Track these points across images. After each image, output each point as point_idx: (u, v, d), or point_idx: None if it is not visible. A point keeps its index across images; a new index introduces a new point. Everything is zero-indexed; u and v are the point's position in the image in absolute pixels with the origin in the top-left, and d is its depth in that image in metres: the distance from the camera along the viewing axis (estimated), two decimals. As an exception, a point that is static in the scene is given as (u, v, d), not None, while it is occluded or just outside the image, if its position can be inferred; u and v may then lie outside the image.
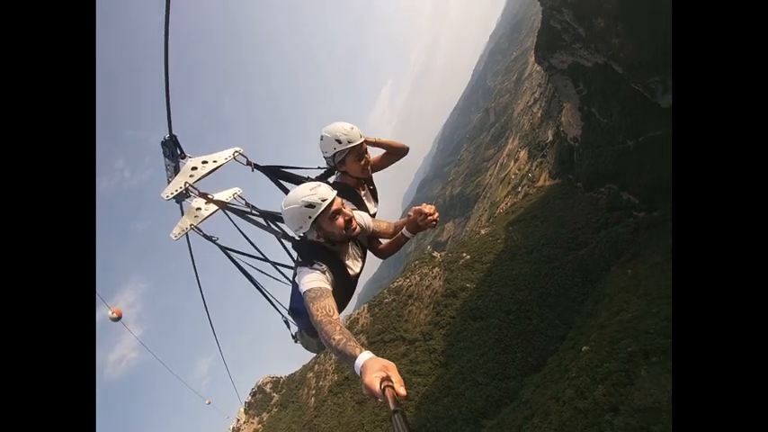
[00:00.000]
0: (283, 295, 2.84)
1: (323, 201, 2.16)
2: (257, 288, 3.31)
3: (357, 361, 1.60)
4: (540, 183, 56.83)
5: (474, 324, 32.51)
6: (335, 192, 2.24)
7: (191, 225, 3.21)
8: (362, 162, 2.98)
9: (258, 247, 3.16)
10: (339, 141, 2.89)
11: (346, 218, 2.25)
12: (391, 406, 1.27)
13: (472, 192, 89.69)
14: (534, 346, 27.40)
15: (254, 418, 47.03)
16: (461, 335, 32.89)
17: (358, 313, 44.56)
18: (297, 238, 2.40)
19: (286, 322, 2.99)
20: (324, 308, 2.01)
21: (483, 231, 46.44)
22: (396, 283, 44.16)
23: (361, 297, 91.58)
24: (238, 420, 46.85)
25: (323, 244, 2.31)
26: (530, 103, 79.26)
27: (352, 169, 3.00)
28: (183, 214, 3.24)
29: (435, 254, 46.26)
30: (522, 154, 72.41)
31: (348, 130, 2.93)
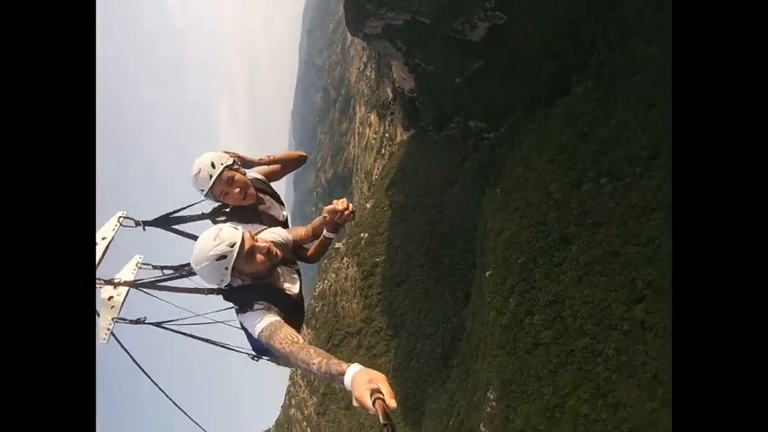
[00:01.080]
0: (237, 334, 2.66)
1: (232, 247, 2.05)
2: (213, 344, 3.04)
3: (345, 376, 1.59)
4: (398, 139, 60.23)
5: (399, 290, 34.67)
6: (240, 230, 2.13)
7: (112, 319, 2.91)
8: (236, 191, 2.78)
9: (188, 301, 2.80)
10: (202, 190, 2.79)
11: (263, 251, 2.16)
12: (381, 420, 1.32)
13: (344, 169, 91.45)
14: (456, 282, 30.37)
15: None
16: (394, 304, 34.91)
17: (301, 334, 44.38)
18: (223, 288, 2.25)
19: (257, 357, 2.77)
20: (285, 338, 1.97)
21: (368, 205, 48.37)
22: (317, 290, 44.49)
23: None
24: None
25: (252, 284, 2.23)
26: (361, 69, 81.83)
27: (231, 201, 2.83)
28: (98, 313, 2.92)
29: (338, 245, 47.23)
30: (373, 117, 75.20)
31: (195, 177, 2.76)
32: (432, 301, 30.91)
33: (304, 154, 3.63)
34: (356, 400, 1.47)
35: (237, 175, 2.81)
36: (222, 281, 2.13)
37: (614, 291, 13.21)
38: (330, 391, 38.14)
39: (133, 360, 3.02)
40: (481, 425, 15.27)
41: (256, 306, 2.14)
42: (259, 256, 2.13)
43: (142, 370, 3.14)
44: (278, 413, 51.65)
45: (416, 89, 49.21)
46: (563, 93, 25.70)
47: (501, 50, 30.18)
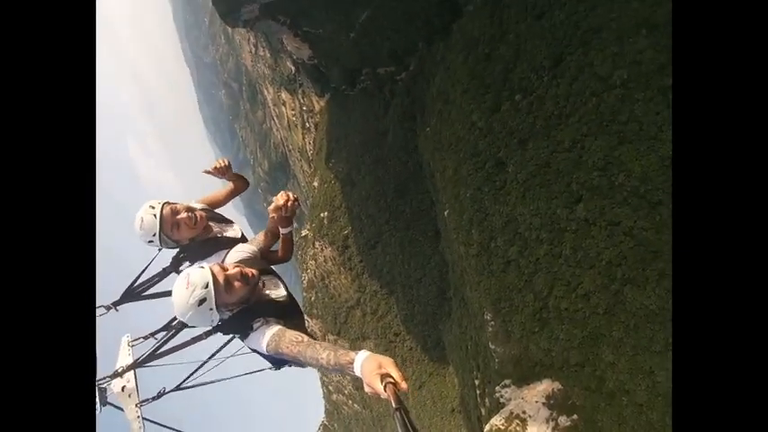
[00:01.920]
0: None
1: (206, 287, 2.08)
2: (234, 377, 3.11)
3: (355, 366, 1.63)
4: (317, 108, 59.23)
5: (376, 251, 36.05)
6: (207, 268, 2.16)
7: (136, 406, 2.93)
8: (184, 216, 2.81)
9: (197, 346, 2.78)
10: (150, 242, 2.81)
11: (238, 276, 2.20)
12: (393, 404, 1.33)
13: (277, 155, 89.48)
14: (424, 223, 31.93)
15: None
16: (378, 265, 36.42)
17: (309, 328, 45.60)
18: (218, 324, 2.30)
19: (278, 368, 2.77)
20: (291, 341, 2.02)
21: (315, 184, 48.48)
22: (305, 282, 45.35)
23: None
24: None
25: (241, 310, 2.27)
26: (253, 51, 78.10)
27: (186, 236, 2.86)
28: (123, 410, 2.96)
29: (304, 232, 47.63)
30: (284, 95, 72.78)
31: (140, 228, 2.76)
32: (410, 249, 32.52)
33: (245, 182, 3.49)
34: (367, 386, 1.50)
35: (178, 205, 2.85)
36: (213, 321, 2.18)
37: (555, 198, 14.72)
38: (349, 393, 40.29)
39: (175, 389, 3.10)
40: (489, 343, 17.24)
41: (255, 325, 2.19)
42: (236, 284, 2.17)
43: (179, 388, 3.22)
44: (323, 405, 54.01)
45: (315, 55, 48.06)
46: (456, 16, 26.26)
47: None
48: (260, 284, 2.41)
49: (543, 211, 15.27)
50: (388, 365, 1.51)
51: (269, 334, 2.14)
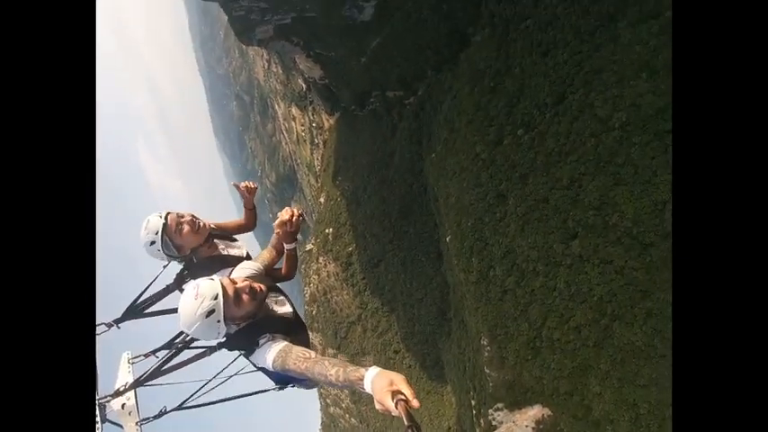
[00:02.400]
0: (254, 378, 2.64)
1: (216, 299, 2.06)
2: (236, 398, 3.05)
3: (365, 382, 1.60)
4: (326, 125, 60.55)
5: (379, 269, 36.86)
6: (217, 279, 2.15)
7: (136, 424, 2.93)
8: (186, 228, 2.84)
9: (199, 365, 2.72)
10: (153, 242, 2.82)
11: (247, 290, 2.18)
12: (405, 421, 1.33)
13: (285, 168, 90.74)
14: (426, 244, 32.61)
15: None
16: (380, 283, 37.17)
17: (311, 340, 46.17)
18: (223, 340, 2.28)
19: (282, 387, 2.72)
20: (298, 357, 1.98)
21: (321, 200, 49.49)
22: (307, 295, 46.13)
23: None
24: None
25: (248, 324, 2.23)
26: (266, 66, 79.96)
27: (188, 241, 2.88)
28: (122, 426, 2.94)
29: (309, 247, 48.48)
30: (294, 110, 74.28)
31: (145, 228, 2.83)
32: (412, 269, 33.30)
33: (253, 225, 3.53)
34: (378, 403, 1.47)
35: (181, 212, 2.89)
36: (219, 333, 2.14)
37: (552, 233, 15.59)
38: (358, 399, 40.70)
39: (175, 409, 3.06)
40: (485, 367, 17.99)
41: (261, 341, 2.16)
42: (245, 297, 2.15)
43: (181, 408, 3.20)
44: (320, 418, 54.22)
45: (326, 76, 49.49)
46: (464, 46, 27.41)
47: (394, 23, 31.28)
48: (266, 300, 2.39)
49: (540, 244, 16.10)
50: (400, 382, 1.48)
51: (275, 350, 2.10)
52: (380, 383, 1.51)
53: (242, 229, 3.51)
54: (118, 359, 3.10)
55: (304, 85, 62.07)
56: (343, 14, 32.36)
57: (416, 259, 33.39)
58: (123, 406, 2.81)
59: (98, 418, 2.57)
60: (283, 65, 68.92)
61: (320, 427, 55.11)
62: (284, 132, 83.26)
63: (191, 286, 2.14)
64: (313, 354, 2.00)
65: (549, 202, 16.28)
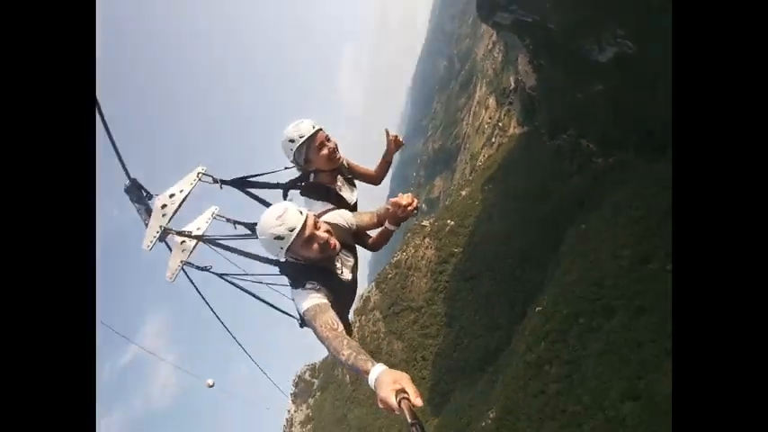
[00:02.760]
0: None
1: (291, 231, 2.10)
2: (266, 303, 3.21)
3: (370, 376, 1.62)
4: (510, 131, 59.26)
5: (466, 285, 36.92)
6: (305, 214, 2.16)
7: (181, 262, 3.12)
8: (325, 151, 2.84)
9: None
10: (292, 141, 2.83)
11: (321, 240, 2.18)
12: (409, 419, 1.31)
13: (452, 144, 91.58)
14: (518, 297, 31.68)
15: (301, 406, 53.61)
16: (458, 296, 37.41)
17: (368, 292, 49.20)
18: (279, 261, 2.35)
19: (300, 325, 2.69)
20: (326, 323, 2.02)
21: (463, 193, 49.80)
22: (395, 259, 48.38)
23: (372, 269, 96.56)
24: (289, 411, 53.43)
25: (306, 264, 2.26)
26: (489, 47, 79.61)
27: (318, 162, 2.88)
28: (171, 250, 3.16)
29: (425, 223, 49.96)
30: (491, 101, 73.78)
31: (296, 125, 2.84)
32: (491, 306, 32.83)
33: (379, 180, 3.46)
34: (381, 401, 1.47)
35: (333, 139, 2.91)
36: (278, 255, 2.22)
37: (620, 379, 14.02)
38: (377, 352, 42.53)
39: (201, 295, 3.43)
40: (476, 436, 17.73)
41: (307, 285, 2.19)
42: (316, 245, 2.17)
43: (208, 305, 3.50)
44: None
45: (537, 89, 47.84)
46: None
47: (625, 81, 28.80)
48: (335, 257, 2.38)
49: (603, 380, 14.46)
50: (404, 381, 1.49)
51: (313, 302, 2.14)
52: (385, 381, 1.52)
53: (368, 178, 3.43)
54: (207, 207, 3.32)
55: (513, 84, 60.91)
56: (582, 44, 30.63)
57: (501, 302, 32.70)
58: (183, 243, 3.07)
59: (157, 234, 2.83)
60: (505, 55, 67.94)
61: (320, 361, 57.84)
62: (471, 114, 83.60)
63: (282, 206, 2.20)
64: (340, 327, 2.02)
65: (641, 350, 14.59)
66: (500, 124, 63.75)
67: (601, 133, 34.24)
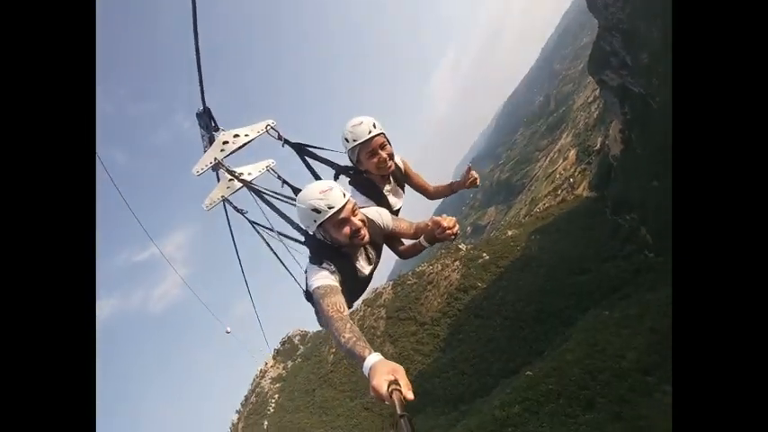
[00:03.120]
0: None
1: (330, 208, 2.14)
2: (283, 265, 3.26)
3: (366, 362, 1.62)
4: (579, 191, 57.62)
5: (475, 321, 37.11)
6: (347, 198, 2.20)
7: (222, 197, 3.28)
8: (376, 159, 2.85)
9: (286, 224, 2.76)
10: (347, 140, 2.85)
11: (354, 227, 2.22)
12: (398, 410, 1.31)
13: (519, 181, 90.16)
14: (519, 353, 31.62)
15: (280, 365, 56.20)
16: (462, 328, 37.72)
17: (383, 288, 50.40)
18: (306, 232, 2.40)
19: (307, 299, 2.64)
20: (334, 304, 2.05)
21: (509, 233, 49.42)
22: (420, 268, 49.10)
23: (395, 269, 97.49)
24: (266, 364, 56.22)
25: (332, 244, 2.30)
26: (590, 100, 77.27)
27: (368, 167, 2.90)
28: (218, 181, 3.31)
29: (462, 246, 50.17)
30: (572, 154, 71.83)
31: (354, 126, 2.83)
32: (488, 352, 33.01)
33: (433, 192, 3.47)
34: (373, 389, 1.47)
35: (389, 146, 2.90)
36: (308, 227, 2.27)
37: None
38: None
39: (230, 231, 3.64)
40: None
41: (324, 264, 2.23)
42: (347, 229, 2.20)
43: (233, 241, 3.68)
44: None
45: (619, 160, 46.19)
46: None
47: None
48: (359, 248, 2.43)
49: None
50: (399, 373, 1.49)
51: (325, 282, 2.18)
52: (380, 369, 1.53)
53: (422, 190, 3.45)
54: (266, 160, 3.48)
55: (598, 146, 59.05)
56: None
57: (499, 350, 32.80)
58: (231, 181, 3.26)
59: (210, 164, 2.99)
60: (601, 114, 65.70)
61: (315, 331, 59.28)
62: (548, 159, 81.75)
63: (328, 183, 2.27)
64: (346, 311, 2.05)
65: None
66: (571, 180, 62.13)
67: (662, 229, 32.92)
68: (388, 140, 2.89)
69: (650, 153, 36.65)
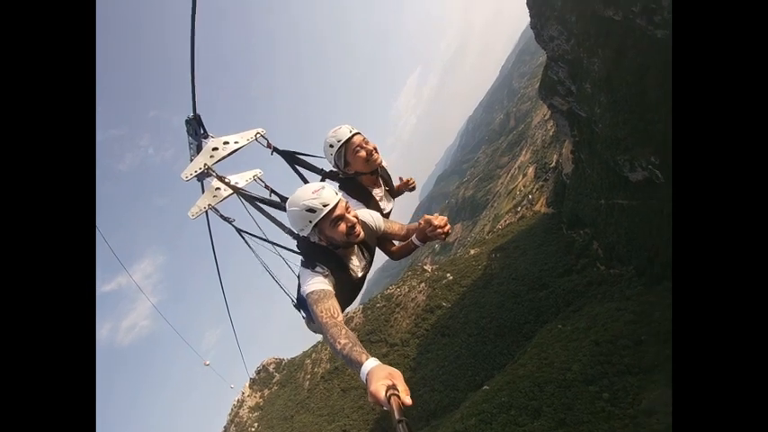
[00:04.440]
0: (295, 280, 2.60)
1: (324, 206, 2.12)
2: (269, 274, 3.29)
3: (363, 368, 1.60)
4: (537, 207, 60.23)
5: (442, 340, 38.31)
6: (339, 196, 2.19)
7: (208, 205, 3.30)
8: (362, 153, 2.89)
9: (273, 233, 2.80)
10: (331, 145, 2.89)
11: (349, 224, 2.20)
12: (396, 416, 1.30)
13: (483, 197, 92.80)
14: (483, 367, 32.92)
15: (256, 393, 55.75)
16: (431, 347, 38.81)
17: (354, 312, 51.08)
18: (299, 235, 2.34)
19: (297, 307, 2.72)
20: (328, 309, 2.02)
21: (472, 252, 51.27)
22: (388, 290, 50.21)
23: (369, 286, 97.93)
24: (243, 393, 55.73)
25: (326, 246, 2.27)
26: (546, 117, 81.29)
27: (357, 164, 2.92)
28: (203, 192, 3.34)
29: (427, 267, 51.56)
30: (530, 171, 74.71)
31: (334, 131, 2.91)
32: (456, 368, 34.10)
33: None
34: (371, 394, 1.43)
35: (370, 142, 2.93)
36: (302, 230, 2.21)
37: None
38: (342, 370, 44.06)
39: (212, 243, 3.69)
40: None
41: (318, 268, 2.20)
42: (342, 226, 2.17)
43: (214, 255, 3.69)
44: (299, 353, 60.06)
45: (571, 178, 49.17)
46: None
47: (646, 206, 30.15)
48: (354, 248, 2.43)
49: None
50: (396, 378, 1.46)
51: (319, 286, 2.12)
52: (377, 374, 1.49)
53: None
54: (252, 168, 3.52)
55: (553, 163, 62.33)
56: (618, 157, 32.23)
57: (465, 366, 33.95)
58: (217, 189, 3.27)
59: (200, 170, 2.98)
60: (556, 133, 69.38)
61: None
62: (509, 175, 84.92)
63: (319, 184, 2.25)
64: (340, 317, 2.01)
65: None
66: (530, 197, 64.71)
67: (612, 243, 35.33)
68: (365, 139, 2.96)
69: (597, 173, 39.44)
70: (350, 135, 2.85)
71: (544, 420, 17.27)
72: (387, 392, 1.40)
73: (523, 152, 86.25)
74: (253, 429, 51.49)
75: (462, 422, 20.25)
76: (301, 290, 2.20)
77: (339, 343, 1.81)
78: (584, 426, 15.72)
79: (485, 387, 22.51)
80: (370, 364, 1.59)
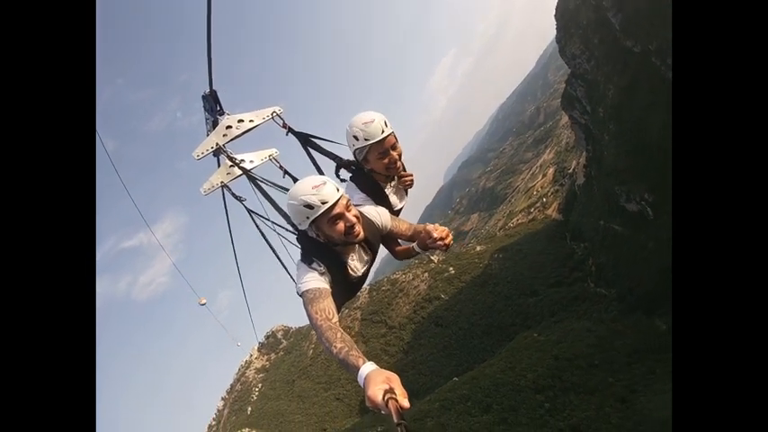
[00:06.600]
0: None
1: (323, 204, 2.04)
2: (276, 256, 3.24)
3: (360, 372, 1.59)
4: (550, 211, 61.37)
5: (435, 329, 42.10)
6: (341, 193, 2.10)
7: (221, 182, 3.28)
8: (386, 160, 2.69)
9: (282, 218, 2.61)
10: (356, 138, 2.66)
11: (348, 223, 2.12)
12: (395, 419, 1.30)
13: (502, 191, 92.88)
14: (467, 360, 36.58)
15: (263, 357, 61.77)
16: (424, 333, 42.74)
17: (361, 292, 55.41)
18: (298, 229, 2.26)
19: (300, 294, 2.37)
20: (323, 311, 1.97)
21: (477, 248, 54.06)
22: (395, 275, 54.07)
23: (382, 265, 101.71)
24: (251, 356, 61.83)
25: (324, 243, 2.19)
26: (569, 122, 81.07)
27: (375, 167, 2.75)
28: (219, 167, 3.31)
29: (434, 258, 54.70)
30: (550, 172, 74.37)
31: (365, 124, 2.63)
32: (443, 356, 37.94)
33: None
34: (368, 398, 1.43)
35: (399, 146, 2.74)
36: (300, 224, 2.15)
37: None
38: None
39: (227, 218, 3.77)
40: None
41: (314, 264, 2.13)
42: (340, 225, 2.09)
43: (229, 228, 3.83)
44: (306, 323, 65.49)
45: (581, 190, 50.62)
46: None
47: (635, 237, 32.17)
48: (355, 246, 2.31)
49: None
50: (393, 382, 1.46)
51: (314, 284, 2.07)
52: (375, 379, 1.49)
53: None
54: (267, 147, 3.55)
55: (571, 169, 63.11)
56: (616, 186, 34.20)
57: (451, 357, 37.60)
58: (231, 167, 3.33)
59: (211, 149, 3.07)
60: (576, 140, 69.41)
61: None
62: (530, 173, 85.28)
63: (321, 178, 2.14)
64: (336, 318, 1.96)
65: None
66: (545, 200, 65.14)
67: (603, 264, 37.48)
68: (397, 139, 2.75)
69: (601, 194, 41.25)
70: (382, 137, 2.62)
71: (491, 416, 20.88)
72: (384, 396, 1.42)
73: (547, 151, 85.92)
74: (257, 389, 57.74)
75: (428, 404, 24.20)
76: (297, 286, 2.18)
77: (335, 347, 1.79)
78: (522, 427, 19.24)
79: (455, 378, 26.27)
80: (368, 368, 1.59)
